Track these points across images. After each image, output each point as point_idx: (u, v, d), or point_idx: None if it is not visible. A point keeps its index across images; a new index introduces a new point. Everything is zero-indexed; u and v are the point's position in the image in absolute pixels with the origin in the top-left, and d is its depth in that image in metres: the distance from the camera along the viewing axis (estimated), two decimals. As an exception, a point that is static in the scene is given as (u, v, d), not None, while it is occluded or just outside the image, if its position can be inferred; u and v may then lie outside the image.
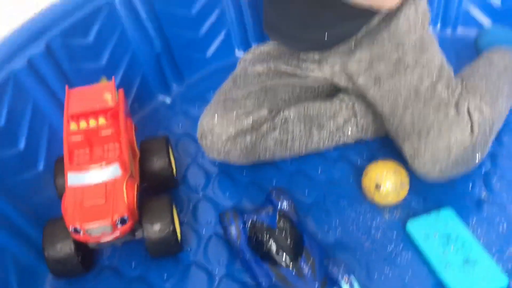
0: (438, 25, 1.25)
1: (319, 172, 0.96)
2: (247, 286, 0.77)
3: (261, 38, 1.26)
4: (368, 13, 0.85)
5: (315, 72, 0.97)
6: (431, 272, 0.77)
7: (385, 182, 0.86)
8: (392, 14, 0.92)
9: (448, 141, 0.80)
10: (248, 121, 0.89)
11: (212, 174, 0.97)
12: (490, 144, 0.86)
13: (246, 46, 1.27)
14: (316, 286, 0.71)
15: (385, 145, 0.99)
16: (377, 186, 0.86)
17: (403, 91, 0.86)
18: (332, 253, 0.81)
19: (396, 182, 0.86)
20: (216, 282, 0.79)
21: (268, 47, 1.02)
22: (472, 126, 0.81)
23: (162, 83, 1.18)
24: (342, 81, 0.96)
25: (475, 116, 0.82)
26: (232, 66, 1.03)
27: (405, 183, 0.87)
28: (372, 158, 0.95)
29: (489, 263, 0.76)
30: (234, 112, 0.89)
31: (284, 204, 0.82)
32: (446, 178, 0.84)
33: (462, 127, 0.80)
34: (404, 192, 0.87)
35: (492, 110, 0.86)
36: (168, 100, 1.18)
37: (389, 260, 0.80)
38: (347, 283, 0.68)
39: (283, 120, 0.93)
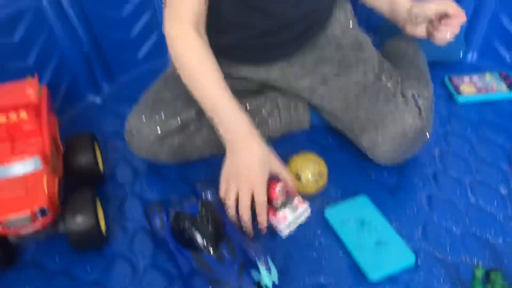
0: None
1: (246, 166, 0.99)
2: (170, 275, 0.79)
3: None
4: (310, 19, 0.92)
5: (250, 74, 1.00)
6: (347, 254, 0.82)
7: (305, 172, 0.90)
8: (325, 20, 0.98)
9: (403, 128, 0.86)
10: (176, 122, 0.91)
11: (140, 170, 0.99)
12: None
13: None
14: (235, 269, 0.73)
15: (308, 139, 1.04)
16: (298, 177, 0.90)
17: (352, 89, 0.92)
18: (253, 238, 0.84)
19: (315, 173, 0.90)
20: (141, 273, 0.80)
21: None
22: (420, 110, 0.87)
23: (92, 83, 1.18)
24: (278, 83, 1.00)
25: (420, 101, 0.88)
26: (165, 67, 1.04)
27: (323, 173, 0.92)
28: (296, 150, 0.99)
29: (399, 243, 0.82)
30: (162, 113, 0.90)
31: (209, 194, 0.85)
32: (404, 160, 0.92)
33: (413, 113, 0.86)
34: (322, 181, 0.92)
35: (429, 91, 0.93)
36: (98, 100, 1.18)
37: (307, 245, 0.83)
38: (263, 265, 0.71)
39: (210, 119, 0.95)
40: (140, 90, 1.04)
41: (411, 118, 0.86)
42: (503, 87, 1.13)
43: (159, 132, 0.89)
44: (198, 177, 0.96)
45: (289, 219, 0.84)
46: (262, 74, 1.00)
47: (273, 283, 0.73)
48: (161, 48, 1.26)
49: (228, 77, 0.99)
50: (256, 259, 0.72)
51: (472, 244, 0.83)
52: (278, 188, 0.83)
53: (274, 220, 0.83)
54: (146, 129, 0.90)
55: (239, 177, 0.79)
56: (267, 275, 0.72)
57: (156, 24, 1.24)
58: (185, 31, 0.81)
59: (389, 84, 0.91)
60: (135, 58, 1.25)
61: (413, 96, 0.89)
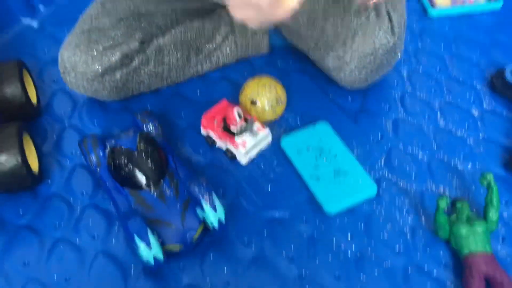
0: None
1: (198, 94, 0.90)
2: (109, 214, 0.72)
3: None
4: None
5: None
6: (304, 185, 0.75)
7: (261, 97, 0.82)
8: None
9: (373, 46, 0.77)
10: (117, 56, 0.80)
11: (79, 101, 0.89)
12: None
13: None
14: (178, 207, 0.67)
15: (267, 63, 0.95)
16: (253, 102, 0.82)
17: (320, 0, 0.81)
18: (202, 173, 0.77)
19: (271, 98, 0.82)
20: (77, 213, 0.73)
21: None
22: (392, 27, 0.78)
23: (26, 4, 1.05)
24: None
25: (394, 16, 0.79)
26: None
27: (281, 98, 0.83)
28: (254, 75, 0.90)
29: (359, 173, 0.75)
30: (100, 46, 0.79)
31: (150, 127, 0.76)
32: (370, 83, 0.83)
33: (385, 29, 0.77)
34: (280, 108, 0.84)
35: (403, 5, 0.83)
36: (34, 23, 1.06)
37: (262, 177, 0.77)
38: (207, 201, 0.65)
39: (157, 51, 0.84)
40: (81, 10, 0.93)
41: (382, 35, 0.77)
42: (481, -2, 1.02)
43: (98, 68, 0.79)
44: (144, 107, 0.88)
45: (248, 145, 0.76)
46: None
47: (220, 221, 0.66)
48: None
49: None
50: (200, 196, 0.65)
51: (439, 171, 0.77)
52: (235, 112, 0.76)
53: (233, 146, 0.76)
54: (83, 65, 0.79)
55: None
56: (213, 213, 0.65)
57: None
58: None
59: None
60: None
61: (386, 10, 0.79)
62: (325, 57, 0.82)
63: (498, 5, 1.02)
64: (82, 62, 0.79)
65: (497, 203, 0.66)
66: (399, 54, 0.81)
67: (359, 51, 0.77)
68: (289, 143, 0.80)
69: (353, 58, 0.78)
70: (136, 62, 0.83)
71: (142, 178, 0.69)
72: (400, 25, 0.79)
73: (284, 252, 0.69)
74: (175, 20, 0.88)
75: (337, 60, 0.80)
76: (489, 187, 0.66)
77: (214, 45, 0.90)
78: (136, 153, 0.70)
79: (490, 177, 0.66)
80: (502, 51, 0.95)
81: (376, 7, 0.79)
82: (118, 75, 0.81)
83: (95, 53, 0.79)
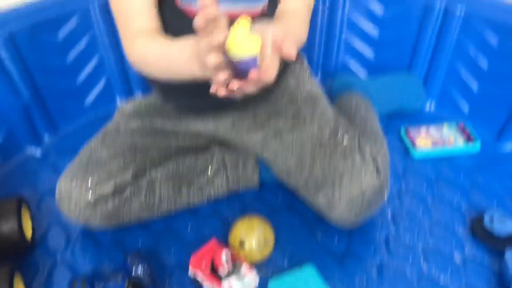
0: (319, 76, 1.29)
1: (189, 229, 0.93)
2: None
3: (146, 89, 1.24)
4: None
5: (197, 127, 0.95)
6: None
7: (249, 239, 0.84)
8: (281, 72, 0.93)
9: (360, 187, 0.81)
10: (110, 186, 0.84)
11: (73, 234, 0.92)
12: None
13: (128, 94, 1.25)
14: None
15: (257, 198, 0.99)
16: (241, 243, 0.84)
17: (307, 144, 0.86)
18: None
19: (259, 240, 0.85)
20: None
21: (150, 100, 0.98)
22: (377, 168, 0.82)
23: (32, 135, 1.11)
24: (228, 137, 0.95)
25: (379, 158, 0.84)
26: (113, 114, 0.98)
27: (269, 240, 0.86)
28: (244, 211, 0.94)
29: (344, 322, 0.76)
30: (96, 176, 0.84)
31: (139, 270, 0.78)
32: (360, 221, 0.85)
33: (370, 171, 0.81)
34: (268, 249, 0.86)
35: (385, 149, 0.89)
36: (38, 152, 1.12)
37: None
38: None
39: (149, 182, 0.89)
40: (84, 140, 0.99)
41: (369, 176, 0.81)
42: (460, 140, 1.09)
43: (91, 197, 0.83)
44: (135, 242, 0.91)
45: None
46: (210, 127, 0.94)
47: None
48: (110, 95, 1.22)
49: (175, 135, 0.94)
50: None
51: (423, 321, 0.78)
52: (223, 255, 0.78)
53: None
54: (77, 194, 0.83)
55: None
56: None
57: (104, 69, 1.19)
58: (135, 42, 0.75)
59: (345, 140, 0.86)
60: (81, 106, 1.19)
61: (371, 153, 0.84)
62: (314, 196, 0.86)
63: (476, 148, 1.09)
64: (76, 191, 0.83)
65: None
66: (385, 195, 0.85)
67: (347, 192, 0.81)
68: (277, 286, 0.81)
69: (342, 199, 0.82)
70: (127, 193, 0.86)
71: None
72: (385, 168, 0.84)
73: None
74: (168, 155, 0.93)
75: (326, 200, 0.84)
76: None
77: (205, 179, 0.95)
78: (123, 299, 0.71)
79: None
80: (482, 194, 0.99)
81: (361, 152, 0.85)
82: (110, 204, 0.85)
83: (89, 183, 0.83)
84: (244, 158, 0.97)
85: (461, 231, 0.92)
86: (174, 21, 0.78)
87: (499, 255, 0.85)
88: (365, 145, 0.86)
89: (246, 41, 0.54)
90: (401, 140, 1.12)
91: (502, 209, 0.95)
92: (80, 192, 0.83)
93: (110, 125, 0.94)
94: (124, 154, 0.88)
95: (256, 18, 0.77)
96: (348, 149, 0.85)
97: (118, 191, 0.85)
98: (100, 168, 0.85)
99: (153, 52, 0.72)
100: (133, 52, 0.76)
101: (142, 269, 0.78)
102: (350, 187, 0.81)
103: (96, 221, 0.86)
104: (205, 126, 0.94)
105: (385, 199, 0.86)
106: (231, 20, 0.56)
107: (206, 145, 0.99)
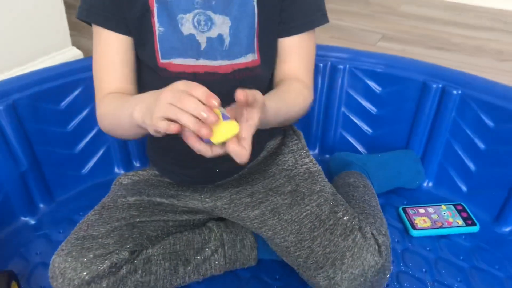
0: (316, 150, 1.30)
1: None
2: None
3: (145, 158, 1.24)
4: (258, 147, 0.86)
5: (195, 203, 0.94)
6: None
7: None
8: (278, 149, 0.94)
9: (362, 267, 0.79)
10: (105, 265, 0.81)
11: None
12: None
13: (127, 165, 1.25)
14: None
15: (254, 277, 0.97)
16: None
17: (306, 221, 0.85)
18: None
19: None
20: None
21: (148, 172, 0.98)
22: (379, 248, 0.81)
23: (27, 204, 1.10)
24: (225, 214, 0.93)
25: (380, 238, 0.82)
26: (110, 184, 0.98)
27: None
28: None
29: None
30: (91, 254, 0.81)
31: None
32: None
33: (372, 251, 0.80)
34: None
35: (385, 228, 0.88)
36: (32, 220, 1.10)
37: None
38: None
39: (145, 260, 0.86)
40: (79, 209, 0.98)
41: (370, 257, 0.80)
42: (458, 221, 1.09)
43: (86, 276, 0.80)
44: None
45: None
46: (208, 203, 0.93)
47: None
48: (108, 164, 1.22)
49: (173, 210, 0.93)
50: None
51: None
52: None
53: None
54: (71, 272, 0.80)
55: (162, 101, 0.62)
56: None
57: (104, 140, 1.20)
58: (102, 102, 0.82)
59: (345, 218, 0.85)
60: (79, 174, 1.19)
61: (371, 232, 0.83)
62: (315, 276, 0.83)
63: (475, 229, 1.08)
64: (71, 269, 0.80)
65: None
66: (388, 275, 0.84)
67: (349, 273, 0.79)
68: None
69: (344, 279, 0.79)
70: (123, 271, 0.84)
71: None
72: (387, 247, 0.83)
73: None
74: (166, 231, 0.92)
75: (328, 280, 0.81)
76: None
77: (203, 257, 0.93)
78: None
79: None
80: (482, 280, 0.97)
81: (361, 230, 0.83)
82: (104, 283, 0.82)
83: (85, 260, 0.80)
84: (242, 236, 0.96)
85: (462, 318, 0.90)
86: (154, 80, 0.81)
87: None
88: (365, 223, 0.86)
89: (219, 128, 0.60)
90: (399, 219, 1.12)
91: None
92: (74, 270, 0.80)
93: (107, 199, 0.93)
94: (121, 230, 0.86)
95: (249, 70, 0.81)
96: (349, 228, 0.84)
97: (114, 269, 0.83)
98: (96, 245, 0.83)
99: (110, 107, 0.79)
100: (98, 111, 0.82)
101: None
102: (352, 266, 0.79)
103: None
104: (203, 202, 0.94)
105: (388, 279, 0.84)
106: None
107: (203, 221, 0.98)
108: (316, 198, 0.88)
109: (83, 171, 1.19)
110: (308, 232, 0.84)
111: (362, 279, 0.80)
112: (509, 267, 1.00)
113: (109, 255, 0.82)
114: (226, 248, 0.94)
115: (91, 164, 1.20)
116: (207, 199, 0.93)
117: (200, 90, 0.61)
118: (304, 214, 0.86)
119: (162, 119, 0.62)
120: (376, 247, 0.82)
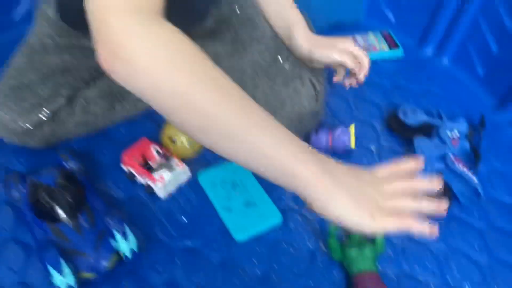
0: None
1: (122, 132, 0.95)
2: (27, 247, 0.76)
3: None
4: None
5: None
6: (217, 217, 0.82)
7: (179, 136, 0.88)
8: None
9: (299, 113, 0.84)
10: (44, 113, 0.83)
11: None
12: None
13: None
14: (93, 238, 0.71)
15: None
16: (172, 140, 0.88)
17: (248, 69, 0.86)
18: (121, 207, 0.82)
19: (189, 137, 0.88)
20: (-2, 247, 0.76)
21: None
22: (317, 95, 0.85)
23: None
24: None
25: (318, 86, 0.86)
26: None
27: (199, 137, 0.90)
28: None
29: (267, 203, 0.83)
30: (27, 104, 0.82)
31: (71, 164, 0.81)
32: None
33: (310, 99, 0.84)
34: (199, 146, 0.90)
35: (323, 75, 0.90)
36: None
37: (179, 209, 0.83)
38: (119, 232, 0.70)
39: (83, 103, 0.88)
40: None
41: (307, 103, 0.84)
42: (384, 46, 1.15)
43: (26, 125, 0.82)
44: (69, 145, 0.92)
45: (166, 180, 0.82)
46: None
47: (132, 251, 0.71)
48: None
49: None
50: (113, 227, 0.70)
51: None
52: (153, 149, 0.82)
53: (151, 181, 0.82)
54: (11, 123, 0.82)
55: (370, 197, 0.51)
56: (124, 243, 0.70)
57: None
58: (151, 22, 0.48)
59: (286, 66, 0.86)
60: (9, 18, 1.16)
61: (310, 80, 0.86)
62: None
63: (399, 52, 1.15)
64: (9, 120, 0.81)
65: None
66: (320, 118, 0.90)
67: (287, 118, 0.84)
68: (205, 178, 0.86)
69: (282, 124, 0.85)
70: (62, 115, 0.86)
71: (60, 212, 0.73)
72: (323, 94, 0.87)
73: (193, 278, 0.74)
74: (100, 72, 0.92)
75: None
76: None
77: None
78: (55, 188, 0.74)
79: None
80: (401, 94, 1.06)
81: (301, 78, 0.85)
82: (45, 129, 0.85)
83: (22, 111, 0.81)
84: None
85: (378, 125, 0.99)
86: None
87: (410, 142, 0.93)
88: (306, 73, 0.87)
89: None
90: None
91: (415, 105, 1.02)
92: (13, 121, 0.81)
93: (33, 38, 0.86)
94: (55, 76, 0.85)
95: None
96: (290, 76, 0.85)
97: (52, 116, 0.84)
98: (31, 93, 0.83)
99: (214, 106, 0.47)
100: (131, 39, 0.47)
101: (74, 164, 0.81)
102: (291, 113, 0.84)
103: (34, 143, 0.86)
104: None
105: (320, 121, 0.90)
106: None
107: None
108: (256, 45, 0.87)
109: (14, 15, 1.16)
110: (250, 80, 0.86)
111: (298, 123, 0.85)
112: (426, 83, 1.09)
113: (46, 103, 0.83)
114: None
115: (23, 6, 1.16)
116: None
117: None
118: (246, 62, 0.87)
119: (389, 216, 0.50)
120: (314, 94, 0.85)
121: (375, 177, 0.53)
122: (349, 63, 0.82)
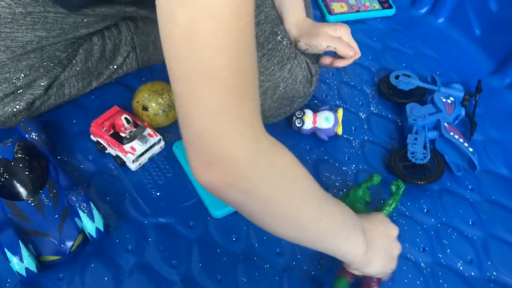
0: None
1: (93, 98, 0.89)
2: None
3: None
4: None
5: (108, 10, 0.81)
6: (193, 190, 0.76)
7: (152, 103, 0.82)
8: None
9: (292, 97, 0.78)
10: (21, 106, 0.78)
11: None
12: None
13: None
14: (56, 217, 0.65)
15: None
16: (144, 108, 0.81)
17: None
18: (90, 180, 0.76)
19: (163, 103, 0.82)
20: (-47, 226, 0.70)
21: None
22: (311, 78, 0.79)
23: None
24: (136, 14, 0.85)
25: (312, 68, 0.80)
26: None
27: (173, 104, 0.83)
28: (152, 79, 0.90)
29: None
30: (1, 93, 0.76)
31: (33, 135, 0.74)
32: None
33: (304, 82, 0.78)
34: (174, 113, 0.84)
35: (317, 57, 0.84)
36: None
37: (152, 182, 0.77)
38: (84, 211, 0.64)
39: (58, 86, 0.82)
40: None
41: (302, 86, 0.79)
42: (375, 5, 1.07)
43: (1, 118, 0.78)
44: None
45: (137, 151, 0.76)
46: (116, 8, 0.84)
47: (98, 230, 0.66)
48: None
49: (86, 15, 0.82)
50: (77, 206, 0.64)
51: (324, 173, 0.80)
52: (124, 119, 0.76)
53: (122, 153, 0.76)
54: None
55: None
56: (90, 223, 0.64)
57: None
58: (270, 148, 0.46)
59: (284, 43, 0.77)
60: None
61: (306, 61, 0.80)
62: None
63: (391, 12, 1.07)
64: None
65: (393, 206, 0.69)
66: (308, 99, 0.84)
67: (278, 102, 0.78)
68: (181, 148, 0.80)
69: (271, 108, 0.79)
70: (37, 103, 0.81)
71: (19, 189, 0.67)
72: (317, 76, 0.82)
73: (167, 257, 0.69)
74: (76, 46, 0.84)
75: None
76: (395, 191, 0.70)
77: (115, 66, 0.89)
78: (13, 162, 0.68)
79: (401, 184, 0.70)
80: (392, 57, 0.99)
81: (297, 58, 0.78)
82: (20, 116, 0.80)
83: None
84: (155, 37, 0.90)
85: (369, 90, 0.93)
86: None
87: (401, 108, 0.87)
88: (302, 54, 0.80)
89: None
90: (317, 7, 1.09)
91: (408, 69, 0.95)
92: None
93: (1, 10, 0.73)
94: (29, 60, 0.77)
95: None
96: (286, 55, 0.77)
97: (28, 105, 0.79)
98: (6, 81, 0.76)
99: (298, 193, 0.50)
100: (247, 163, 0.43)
101: (35, 134, 0.75)
102: (283, 98, 0.78)
103: (6, 126, 0.80)
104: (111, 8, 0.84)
105: (307, 100, 0.84)
106: None
107: (115, 20, 0.89)
108: (257, 13, 0.77)
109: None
110: None
111: (288, 108, 0.80)
112: (419, 45, 1.02)
113: (23, 95, 0.78)
114: (138, 51, 0.90)
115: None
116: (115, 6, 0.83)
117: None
118: None
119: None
120: (309, 76, 0.79)
121: (395, 228, 0.63)
122: (341, 50, 0.78)
